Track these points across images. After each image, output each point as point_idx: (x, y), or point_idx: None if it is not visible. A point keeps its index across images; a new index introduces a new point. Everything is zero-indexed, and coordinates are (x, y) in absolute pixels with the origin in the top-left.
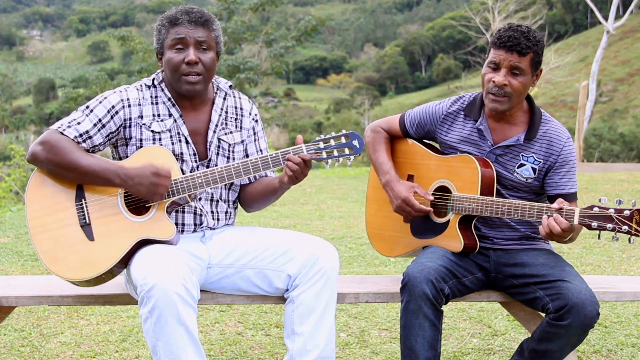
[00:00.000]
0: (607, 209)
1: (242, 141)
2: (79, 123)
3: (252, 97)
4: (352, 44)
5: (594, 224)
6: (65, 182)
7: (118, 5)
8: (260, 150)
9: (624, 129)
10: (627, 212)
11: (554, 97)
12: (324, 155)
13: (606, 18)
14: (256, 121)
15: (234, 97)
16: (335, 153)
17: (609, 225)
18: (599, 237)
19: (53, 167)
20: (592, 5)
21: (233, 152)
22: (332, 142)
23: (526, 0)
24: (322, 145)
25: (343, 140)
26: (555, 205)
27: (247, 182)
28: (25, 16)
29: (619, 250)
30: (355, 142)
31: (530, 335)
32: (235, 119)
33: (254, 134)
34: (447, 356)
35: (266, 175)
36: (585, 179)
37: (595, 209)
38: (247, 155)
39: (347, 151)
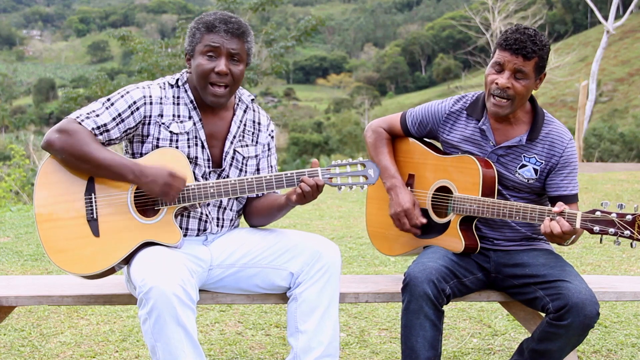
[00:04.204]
0: (610, 213)
1: (256, 155)
2: (97, 115)
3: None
4: (352, 44)
5: (596, 228)
6: (77, 173)
7: (118, 5)
8: (271, 167)
9: (624, 129)
10: (629, 217)
11: (554, 97)
12: (338, 181)
13: (606, 18)
14: (272, 137)
15: (254, 110)
16: (350, 180)
17: (611, 230)
18: (600, 241)
19: (67, 156)
20: (592, 5)
21: (246, 165)
22: (348, 169)
23: (526, 0)
24: (337, 170)
25: (359, 168)
26: (556, 208)
27: (255, 196)
28: (25, 16)
29: (619, 250)
30: (371, 172)
31: (530, 335)
32: (253, 133)
33: (269, 149)
34: (447, 356)
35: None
36: (585, 179)
37: (598, 213)
38: (258, 170)
39: (361, 180)
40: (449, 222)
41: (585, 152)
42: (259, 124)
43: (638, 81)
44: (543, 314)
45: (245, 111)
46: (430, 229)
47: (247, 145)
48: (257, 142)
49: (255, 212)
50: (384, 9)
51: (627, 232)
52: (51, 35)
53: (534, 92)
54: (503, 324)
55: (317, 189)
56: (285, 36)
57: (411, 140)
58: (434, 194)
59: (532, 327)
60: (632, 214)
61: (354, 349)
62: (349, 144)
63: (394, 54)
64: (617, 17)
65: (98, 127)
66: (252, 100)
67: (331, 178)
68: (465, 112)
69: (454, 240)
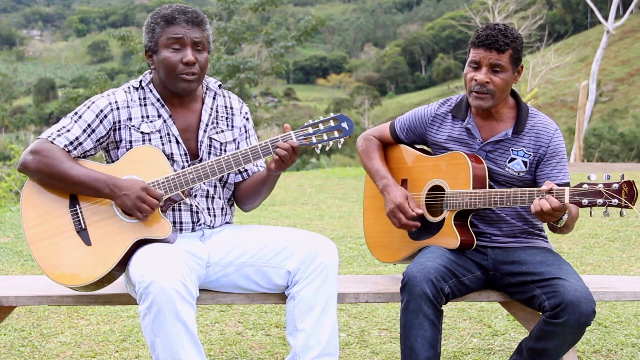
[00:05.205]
0: (596, 184)
1: (234, 140)
2: (68, 130)
3: (252, 97)
4: (352, 44)
5: (585, 200)
6: (57, 190)
7: (118, 5)
8: None
9: (624, 129)
10: (615, 186)
11: (554, 97)
12: (314, 140)
13: (606, 18)
14: (247, 119)
15: (224, 96)
16: (325, 137)
17: (599, 201)
18: (590, 215)
19: (43, 176)
20: (592, 5)
21: (225, 150)
22: (321, 127)
23: (526, 0)
24: (311, 130)
25: (332, 123)
26: (544, 187)
27: (241, 179)
28: (25, 16)
29: (619, 250)
30: (344, 124)
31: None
32: (227, 118)
33: (246, 131)
34: (447, 356)
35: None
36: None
37: (585, 185)
38: None
39: (336, 134)
40: (443, 220)
41: (585, 152)
42: (231, 108)
43: (638, 81)
44: (541, 313)
45: (214, 98)
46: (427, 230)
47: (222, 131)
48: (232, 127)
49: (244, 194)
50: (384, 9)
51: (615, 201)
52: (51, 35)
53: (532, 92)
54: (503, 324)
55: (293, 152)
56: (285, 36)
57: (401, 146)
58: (427, 194)
59: (531, 327)
60: (618, 182)
61: (354, 349)
62: (349, 143)
63: (394, 54)
64: (617, 17)
65: (71, 143)
66: (220, 86)
67: (306, 138)
68: (450, 114)
69: (449, 237)
